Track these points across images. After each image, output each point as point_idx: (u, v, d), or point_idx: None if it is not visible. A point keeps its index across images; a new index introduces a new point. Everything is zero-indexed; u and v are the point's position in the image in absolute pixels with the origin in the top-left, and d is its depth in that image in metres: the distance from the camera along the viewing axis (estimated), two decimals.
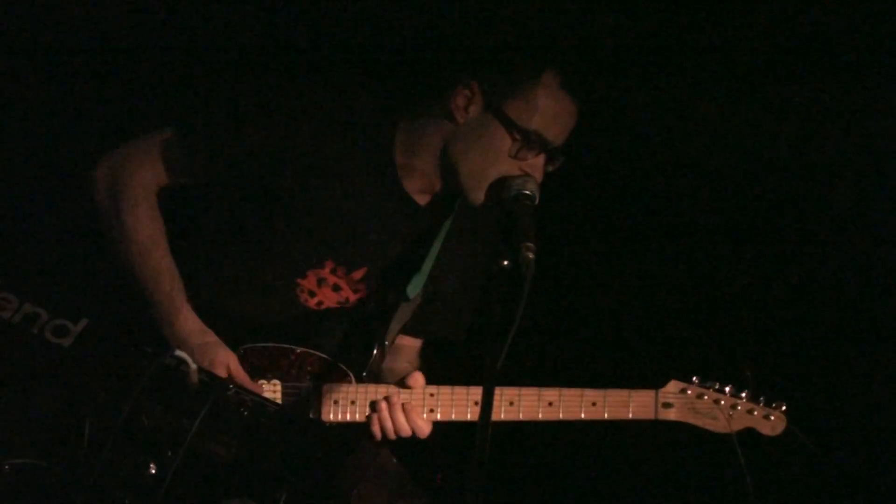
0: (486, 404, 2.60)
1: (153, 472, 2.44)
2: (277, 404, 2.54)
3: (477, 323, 3.45)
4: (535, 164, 3.12)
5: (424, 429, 3.16)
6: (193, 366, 2.46)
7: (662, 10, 3.77)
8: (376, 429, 3.15)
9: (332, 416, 3.16)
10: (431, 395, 3.18)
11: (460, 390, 3.21)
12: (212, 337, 3.14)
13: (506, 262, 2.72)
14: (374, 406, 3.17)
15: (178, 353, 2.47)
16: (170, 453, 2.42)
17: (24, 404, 2.50)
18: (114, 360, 2.48)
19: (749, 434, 3.27)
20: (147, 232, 3.19)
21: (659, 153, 3.92)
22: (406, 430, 3.16)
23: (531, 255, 2.74)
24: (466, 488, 2.50)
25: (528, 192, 3.03)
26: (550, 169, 3.16)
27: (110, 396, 2.43)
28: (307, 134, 3.17)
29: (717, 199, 3.95)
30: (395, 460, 3.18)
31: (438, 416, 3.18)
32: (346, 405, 3.16)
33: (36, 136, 3.90)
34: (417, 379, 3.19)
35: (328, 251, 3.24)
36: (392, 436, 3.16)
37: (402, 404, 3.15)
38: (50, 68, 3.80)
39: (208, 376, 2.51)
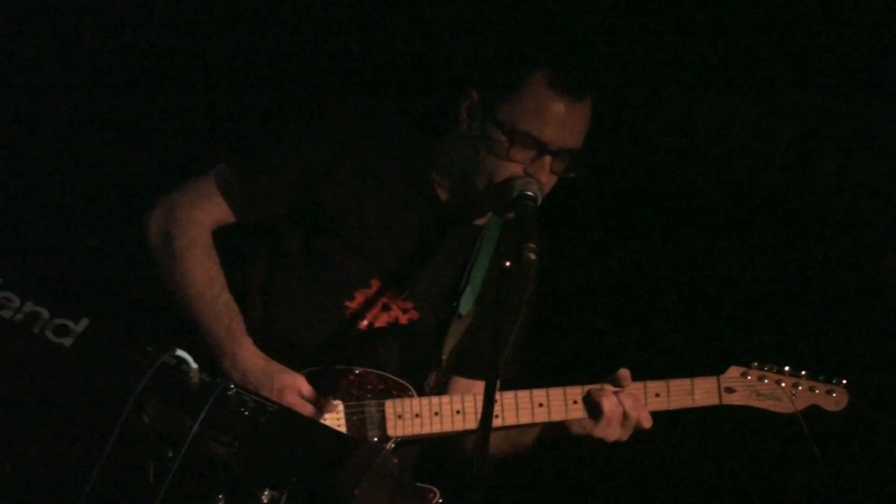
0: (488, 402, 2.62)
1: (154, 471, 2.44)
2: (279, 404, 2.53)
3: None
4: (538, 165, 3.12)
5: (649, 418, 3.20)
6: (194, 365, 2.46)
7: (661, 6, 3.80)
8: (611, 429, 3.17)
9: (398, 431, 3.18)
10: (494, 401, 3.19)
11: (523, 394, 3.23)
12: (274, 365, 3.14)
13: (508, 263, 2.73)
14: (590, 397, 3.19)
15: (180, 352, 2.47)
16: (170, 453, 2.41)
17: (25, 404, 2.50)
18: (115, 359, 2.47)
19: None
20: (204, 272, 3.19)
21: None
22: (635, 417, 3.18)
23: (533, 256, 2.75)
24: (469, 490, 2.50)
25: (529, 193, 3.05)
26: (571, 175, 3.17)
27: (111, 396, 2.43)
28: (349, 154, 3.22)
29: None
30: (395, 460, 3.18)
31: (504, 421, 3.20)
32: (410, 419, 3.18)
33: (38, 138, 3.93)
34: (626, 374, 3.22)
35: (374, 270, 3.26)
36: (621, 427, 3.19)
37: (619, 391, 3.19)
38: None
39: (209, 376, 2.51)
